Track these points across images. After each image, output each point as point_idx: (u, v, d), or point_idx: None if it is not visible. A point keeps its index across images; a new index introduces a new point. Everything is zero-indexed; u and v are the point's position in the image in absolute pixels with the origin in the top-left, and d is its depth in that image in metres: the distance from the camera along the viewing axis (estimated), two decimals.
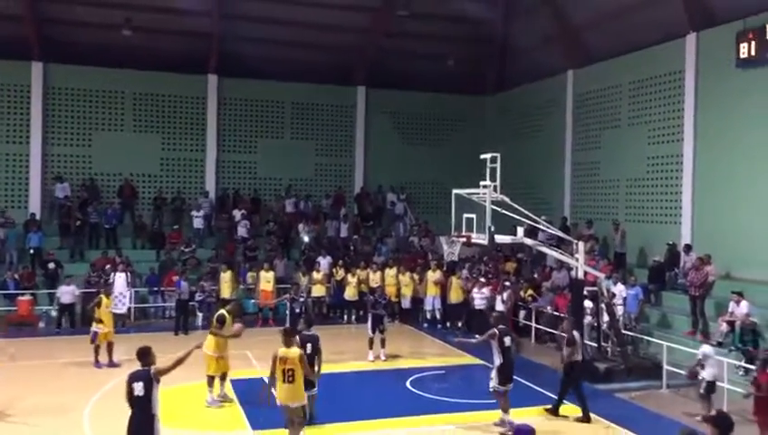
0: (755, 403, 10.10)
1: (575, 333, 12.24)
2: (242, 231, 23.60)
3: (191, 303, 19.20)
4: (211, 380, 12.06)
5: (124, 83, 24.57)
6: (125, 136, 24.68)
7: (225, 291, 19.21)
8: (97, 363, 14.58)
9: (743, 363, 13.07)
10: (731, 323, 14.28)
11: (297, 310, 15.00)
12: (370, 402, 12.54)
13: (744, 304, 14.25)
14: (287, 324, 15.18)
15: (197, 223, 23.64)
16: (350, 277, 20.48)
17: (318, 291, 20.46)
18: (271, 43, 24.68)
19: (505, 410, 10.91)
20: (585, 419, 11.47)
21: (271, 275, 20.06)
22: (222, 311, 12.68)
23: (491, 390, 11.07)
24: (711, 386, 11.55)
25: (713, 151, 17.96)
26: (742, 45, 16.86)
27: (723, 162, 17.62)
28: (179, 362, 8.24)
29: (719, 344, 14.19)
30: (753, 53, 16.60)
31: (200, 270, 21.00)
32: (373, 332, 15.62)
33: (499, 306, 18.12)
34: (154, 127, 25.05)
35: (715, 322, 15.02)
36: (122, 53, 23.65)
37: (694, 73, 18.53)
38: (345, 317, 20.67)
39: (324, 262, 21.46)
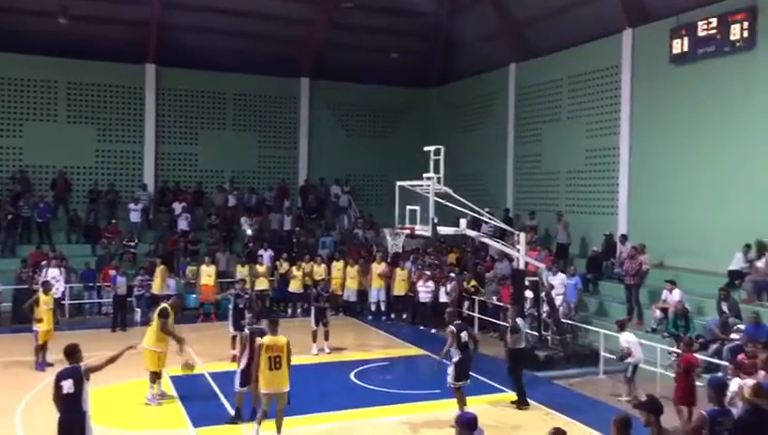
0: (675, 380, 10.74)
1: (519, 320, 12.49)
2: (183, 224, 23.06)
3: (129, 298, 18.67)
4: (153, 375, 11.76)
5: (58, 72, 23.62)
6: (58, 127, 23.76)
7: (156, 286, 18.74)
8: (38, 365, 13.75)
9: (675, 349, 13.52)
10: (664, 310, 14.78)
11: (241, 305, 14.83)
12: (314, 396, 12.45)
13: (676, 291, 14.77)
14: (230, 320, 15.01)
15: (134, 217, 22.94)
16: (295, 270, 20.27)
17: (261, 284, 20.13)
18: (212, 33, 24.08)
19: (461, 407, 10.84)
20: (523, 404, 11.78)
21: (212, 269, 19.68)
22: (164, 305, 12.35)
23: (448, 386, 11.11)
24: (635, 369, 12.35)
25: (647, 144, 18.50)
26: (675, 42, 17.41)
27: (656, 155, 18.18)
28: (111, 361, 8.04)
29: (653, 331, 14.69)
30: (685, 49, 17.15)
31: (137, 265, 20.42)
32: (316, 325, 15.53)
33: (443, 298, 18.30)
34: (89, 118, 24.18)
35: (650, 309, 15.52)
36: (56, 41, 22.67)
37: (630, 68, 19.02)
38: (289, 311, 20.47)
39: (267, 255, 21.20)
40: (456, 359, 11.04)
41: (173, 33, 23.61)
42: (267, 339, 9.75)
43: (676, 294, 14.74)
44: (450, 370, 11.04)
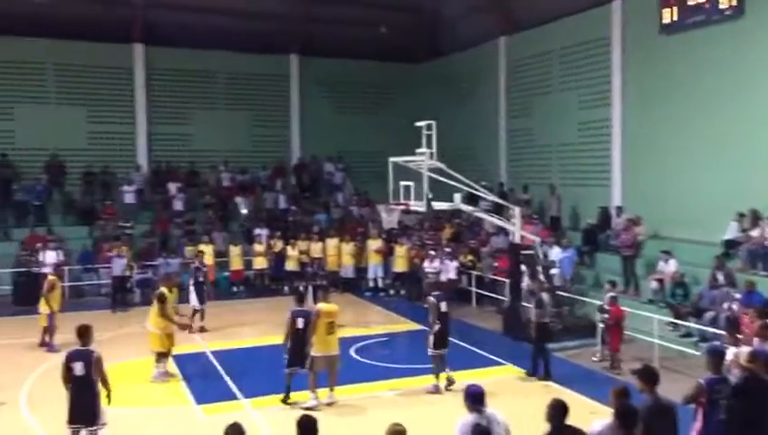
0: (607, 329, 12.61)
1: (543, 295, 12.74)
2: (178, 205, 23.06)
3: (130, 278, 18.75)
4: (159, 355, 11.93)
5: (47, 54, 23.32)
6: (48, 109, 23.53)
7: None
8: (50, 346, 13.70)
9: (671, 319, 13.74)
10: (660, 281, 14.97)
11: (201, 279, 15.66)
12: None
13: (672, 262, 14.94)
14: (192, 294, 15.58)
15: (129, 198, 22.88)
16: (290, 249, 20.37)
17: (259, 263, 20.33)
18: (199, 11, 23.79)
19: (437, 374, 11.30)
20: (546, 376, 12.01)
21: (210, 248, 19.74)
22: (162, 289, 12.43)
23: (429, 353, 11.36)
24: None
25: (639, 115, 18.54)
26: (665, 11, 17.34)
27: (649, 126, 18.23)
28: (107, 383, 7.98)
29: (650, 302, 14.87)
30: (675, 18, 17.10)
31: (136, 245, 20.47)
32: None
33: (451, 274, 18.13)
34: (80, 99, 23.93)
35: (646, 280, 15.71)
36: (43, 21, 22.31)
37: (620, 39, 18.97)
38: (286, 288, 20.55)
39: (264, 234, 21.26)
40: (436, 328, 11.29)
41: (159, 12, 23.41)
42: (324, 306, 10.70)
43: (671, 265, 14.91)
44: (431, 338, 11.31)
